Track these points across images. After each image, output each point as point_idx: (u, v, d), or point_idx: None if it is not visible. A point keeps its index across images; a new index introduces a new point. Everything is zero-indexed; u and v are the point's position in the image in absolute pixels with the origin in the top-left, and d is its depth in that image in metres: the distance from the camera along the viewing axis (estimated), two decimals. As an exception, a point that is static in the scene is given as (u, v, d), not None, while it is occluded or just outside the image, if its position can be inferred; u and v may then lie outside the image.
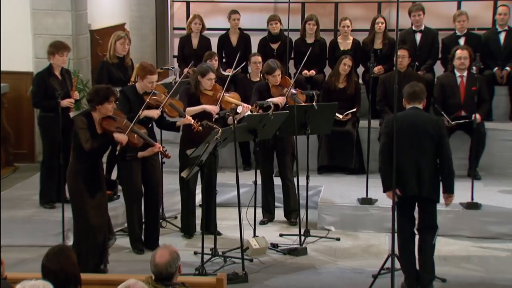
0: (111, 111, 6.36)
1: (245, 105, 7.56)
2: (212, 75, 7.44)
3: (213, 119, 7.34)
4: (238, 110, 7.36)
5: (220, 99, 7.48)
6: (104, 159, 7.03)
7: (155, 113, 7.11)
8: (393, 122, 5.96)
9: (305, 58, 8.33)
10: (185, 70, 9.12)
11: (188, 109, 7.38)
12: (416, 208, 6.36)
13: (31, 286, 3.80)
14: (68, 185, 6.53)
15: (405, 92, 6.37)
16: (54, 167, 7.71)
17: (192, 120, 7.22)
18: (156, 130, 7.49)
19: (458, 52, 8.72)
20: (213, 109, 7.42)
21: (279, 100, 7.70)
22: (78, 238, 6.49)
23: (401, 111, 6.30)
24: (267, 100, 7.62)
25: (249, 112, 7.56)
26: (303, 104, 7.59)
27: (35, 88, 7.78)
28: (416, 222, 6.37)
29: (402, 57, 8.78)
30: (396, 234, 6.14)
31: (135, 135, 6.57)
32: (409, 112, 6.29)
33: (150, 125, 7.13)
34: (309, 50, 8.65)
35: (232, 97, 7.67)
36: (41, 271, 4.22)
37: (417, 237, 6.37)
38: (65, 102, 7.49)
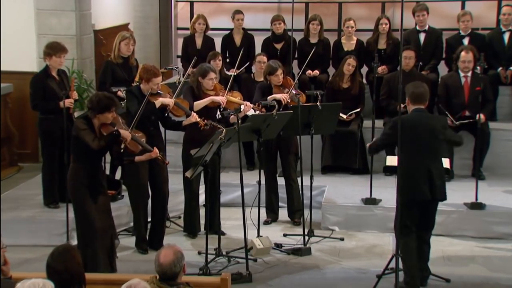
0: (111, 120, 6.27)
1: (248, 103, 7.56)
2: (212, 75, 7.42)
3: (217, 119, 7.34)
4: (240, 108, 7.38)
5: None
6: (108, 159, 7.01)
7: (170, 101, 7.11)
8: (399, 124, 5.95)
9: (307, 60, 8.37)
10: (189, 70, 9.12)
11: (196, 102, 7.37)
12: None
13: (31, 284, 3.78)
14: (69, 188, 6.41)
15: (409, 92, 6.34)
16: (55, 169, 7.71)
17: (198, 118, 7.21)
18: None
19: (463, 55, 8.63)
20: (221, 99, 7.40)
21: (282, 96, 7.70)
22: (84, 241, 6.33)
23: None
24: (270, 96, 7.63)
25: (251, 111, 7.56)
26: (307, 104, 7.58)
27: (33, 91, 7.71)
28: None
29: (409, 58, 8.76)
30: (397, 233, 6.17)
31: (133, 142, 6.51)
32: (415, 116, 6.28)
33: (162, 116, 7.15)
34: (312, 50, 8.67)
35: (234, 97, 7.67)
36: (46, 270, 4.21)
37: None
38: (66, 103, 7.48)
